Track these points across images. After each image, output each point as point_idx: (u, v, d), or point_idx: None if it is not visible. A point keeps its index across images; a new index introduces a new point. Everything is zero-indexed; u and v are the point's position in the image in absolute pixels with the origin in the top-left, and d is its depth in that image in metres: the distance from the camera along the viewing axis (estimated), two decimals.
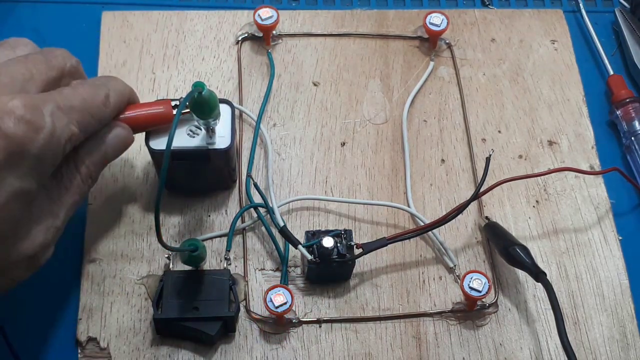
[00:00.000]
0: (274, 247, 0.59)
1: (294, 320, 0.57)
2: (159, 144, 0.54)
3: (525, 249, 0.57)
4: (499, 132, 0.66)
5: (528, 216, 0.63)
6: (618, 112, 0.68)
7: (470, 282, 0.56)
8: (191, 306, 0.54)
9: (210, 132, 0.54)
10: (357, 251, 0.56)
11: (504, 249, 0.58)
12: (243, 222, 0.60)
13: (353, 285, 0.59)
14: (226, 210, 0.61)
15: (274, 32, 0.69)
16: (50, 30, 0.69)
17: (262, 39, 0.69)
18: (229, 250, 0.58)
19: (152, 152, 0.55)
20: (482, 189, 0.58)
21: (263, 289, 0.58)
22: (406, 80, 0.68)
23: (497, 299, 0.59)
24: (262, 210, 0.59)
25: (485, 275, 0.56)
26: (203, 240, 0.58)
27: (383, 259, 0.60)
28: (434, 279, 0.60)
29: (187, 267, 0.56)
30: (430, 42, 0.70)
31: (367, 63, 0.69)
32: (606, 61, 0.71)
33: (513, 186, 0.63)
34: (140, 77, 0.66)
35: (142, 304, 0.57)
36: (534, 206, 0.63)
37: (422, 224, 0.61)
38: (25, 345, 0.55)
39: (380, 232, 0.61)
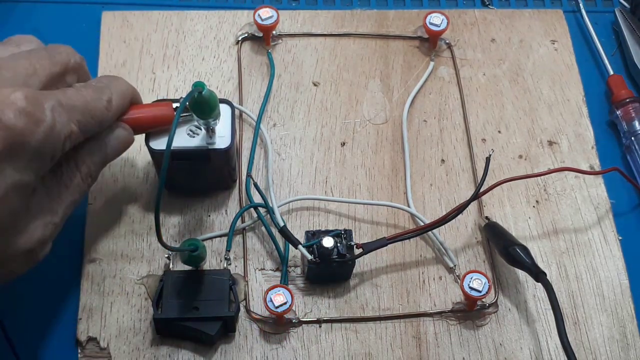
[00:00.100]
0: (274, 247, 0.59)
1: (294, 320, 0.57)
2: (159, 144, 0.54)
3: (525, 249, 0.57)
4: (499, 132, 0.66)
5: (528, 216, 0.63)
6: (618, 112, 0.68)
7: (470, 282, 0.56)
8: (191, 306, 0.54)
9: (210, 132, 0.54)
10: (357, 251, 0.56)
11: (504, 249, 0.58)
12: (243, 222, 0.60)
13: (353, 285, 0.59)
14: (226, 210, 0.61)
15: (274, 32, 0.69)
16: (50, 30, 0.69)
17: (262, 39, 0.69)
18: (229, 250, 0.58)
19: (152, 152, 0.55)
20: (482, 189, 0.58)
21: (263, 289, 0.58)
22: (406, 80, 0.68)
23: (497, 299, 0.59)
24: (262, 210, 0.59)
25: (485, 275, 0.56)
26: (203, 240, 0.58)
27: (383, 259, 0.60)
28: (434, 279, 0.60)
29: (187, 267, 0.56)
30: (430, 42, 0.70)
31: (367, 63, 0.69)
32: (606, 61, 0.71)
33: (513, 186, 0.63)
34: (140, 77, 0.66)
35: (142, 304, 0.57)
36: (534, 206, 0.63)
37: (422, 224, 0.61)
38: (25, 345, 0.55)
39: (380, 232, 0.61)
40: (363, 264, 0.59)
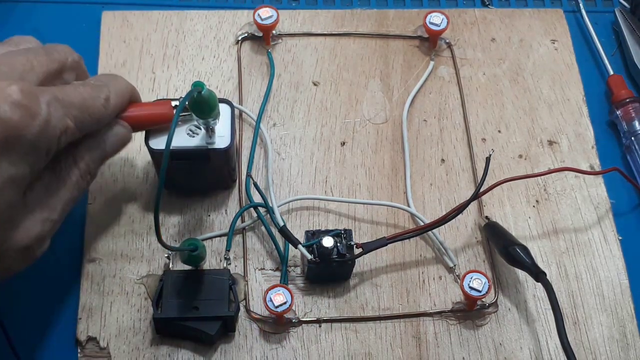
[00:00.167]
0: (273, 246, 0.59)
1: (293, 320, 0.57)
2: (159, 143, 0.54)
3: (525, 249, 0.57)
4: (499, 131, 0.66)
5: (528, 216, 0.63)
6: (618, 112, 0.68)
7: (470, 281, 0.56)
8: (191, 306, 0.54)
9: (210, 131, 0.54)
10: (357, 251, 0.56)
11: (503, 248, 0.58)
12: (243, 221, 0.60)
13: (353, 285, 0.59)
14: (226, 210, 0.61)
15: (273, 31, 0.69)
16: (50, 30, 0.69)
17: (262, 38, 0.69)
18: (228, 250, 0.58)
19: (152, 151, 0.55)
20: (482, 189, 0.58)
21: (263, 288, 0.58)
22: (406, 79, 0.68)
23: (497, 299, 0.59)
24: (262, 209, 0.59)
25: (485, 275, 0.56)
26: (203, 240, 0.58)
27: (383, 259, 0.60)
28: (433, 278, 0.60)
29: (187, 267, 0.56)
30: (430, 42, 0.70)
31: (367, 63, 0.69)
32: (606, 61, 0.71)
33: (513, 186, 0.63)
34: (140, 77, 0.66)
35: (141, 304, 0.57)
36: (533, 206, 0.63)
37: (422, 223, 0.61)
38: (25, 345, 0.55)
39: (380, 232, 0.61)
40: (363, 263, 0.59)
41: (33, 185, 0.46)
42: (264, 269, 0.59)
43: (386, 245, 0.57)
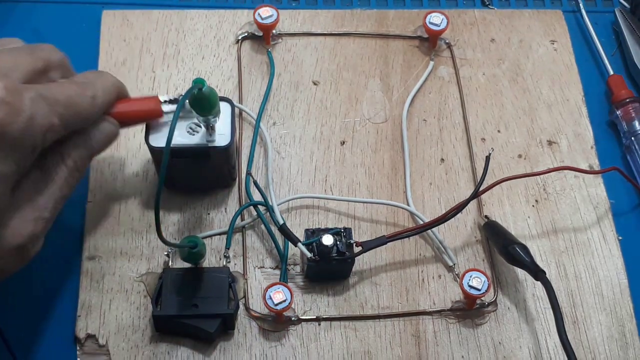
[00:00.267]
0: (273, 245, 0.59)
1: (293, 318, 0.57)
2: (159, 141, 0.54)
3: (524, 248, 0.57)
4: (499, 131, 0.66)
5: (527, 215, 0.63)
6: (618, 112, 0.68)
7: (469, 280, 0.56)
8: (190, 303, 0.54)
9: (210, 129, 0.54)
10: (356, 249, 0.56)
11: (503, 247, 0.58)
12: (243, 220, 0.60)
13: (352, 283, 0.59)
14: (226, 208, 0.61)
15: (274, 31, 0.69)
16: (50, 30, 0.69)
17: (262, 38, 0.69)
18: (228, 248, 0.58)
19: (152, 149, 0.55)
20: (481, 188, 0.58)
21: (262, 286, 0.58)
22: (406, 79, 0.68)
23: (496, 298, 0.59)
24: (261, 208, 0.59)
25: (485, 274, 0.56)
26: (203, 237, 0.58)
27: (382, 258, 0.60)
28: (433, 277, 0.60)
29: (187, 265, 0.56)
30: (430, 42, 0.70)
31: (367, 62, 0.69)
32: (606, 61, 0.71)
33: (512, 185, 0.64)
34: (140, 76, 0.66)
35: (141, 301, 0.57)
36: (533, 205, 0.63)
37: (422, 222, 0.61)
38: (24, 342, 0.55)
39: (379, 231, 0.61)
40: (362, 262, 0.59)
41: (21, 184, 0.46)
42: (263, 267, 0.59)
43: (386, 243, 0.57)
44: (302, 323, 0.57)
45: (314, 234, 0.56)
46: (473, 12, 0.73)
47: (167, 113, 0.54)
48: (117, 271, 0.58)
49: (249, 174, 0.61)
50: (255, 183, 0.60)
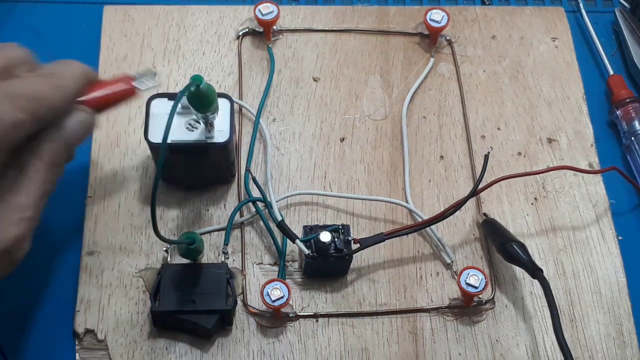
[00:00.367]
0: (271, 241, 0.59)
1: (290, 315, 0.57)
2: (158, 137, 0.54)
3: (522, 246, 0.57)
4: (499, 129, 0.66)
5: (526, 213, 0.63)
6: (618, 112, 0.68)
7: (467, 278, 0.56)
8: (188, 299, 0.55)
9: (209, 126, 0.54)
10: (354, 246, 0.56)
11: (501, 245, 0.58)
12: (241, 216, 0.60)
13: (350, 280, 0.59)
14: (225, 204, 0.61)
15: (274, 27, 0.69)
16: (50, 30, 0.69)
17: (263, 34, 0.69)
18: (227, 244, 0.59)
19: (151, 145, 0.55)
20: (480, 186, 0.58)
21: (260, 283, 0.58)
22: (406, 76, 0.68)
23: (494, 296, 0.59)
24: (260, 204, 0.60)
25: (483, 272, 0.56)
26: (201, 234, 0.58)
27: (380, 255, 0.60)
28: (431, 274, 0.60)
29: (185, 261, 0.56)
30: (430, 39, 0.70)
31: (368, 59, 0.69)
32: (606, 61, 0.71)
33: (511, 183, 0.64)
34: None
35: (139, 297, 0.57)
36: (532, 203, 0.63)
37: (420, 219, 0.61)
38: (22, 337, 0.56)
39: (378, 228, 0.61)
40: (360, 259, 0.60)
41: None
42: (261, 263, 0.59)
43: (384, 241, 0.57)
44: (300, 319, 0.57)
45: (312, 231, 0.56)
46: (474, 9, 0.73)
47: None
48: (116, 266, 0.58)
49: (248, 170, 0.61)
50: (254, 180, 0.60)
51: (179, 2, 0.71)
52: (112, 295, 0.57)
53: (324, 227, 0.56)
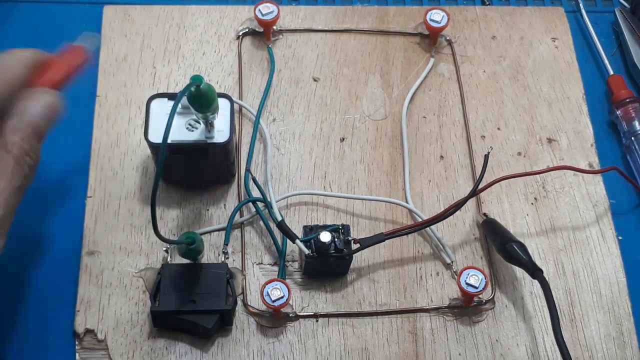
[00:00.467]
0: (271, 241, 0.59)
1: (290, 315, 0.57)
2: (158, 137, 0.54)
3: (522, 246, 0.57)
4: (499, 129, 0.66)
5: (526, 213, 0.63)
6: (618, 112, 0.68)
7: (467, 278, 0.56)
8: (188, 299, 0.55)
9: (209, 126, 0.54)
10: (354, 246, 0.56)
11: (501, 245, 0.58)
12: (241, 216, 0.60)
13: (350, 280, 0.59)
14: (225, 204, 0.61)
15: (274, 27, 0.69)
16: (50, 30, 0.69)
17: (263, 34, 0.69)
18: (226, 244, 0.59)
19: (151, 145, 0.55)
20: (480, 186, 0.58)
21: (260, 283, 0.58)
22: (406, 76, 0.68)
23: (494, 296, 0.59)
24: (260, 204, 0.60)
25: (483, 272, 0.56)
26: (201, 234, 0.58)
27: (380, 255, 0.60)
28: (431, 274, 0.60)
29: (185, 261, 0.56)
30: (430, 39, 0.70)
31: (368, 59, 0.69)
32: (606, 61, 0.71)
33: (511, 183, 0.64)
34: (141, 71, 0.66)
35: (139, 297, 0.57)
36: (532, 203, 0.63)
37: (420, 220, 0.61)
38: (22, 337, 0.56)
39: (378, 228, 0.61)
40: (360, 259, 0.60)
41: None
42: (261, 263, 0.59)
43: (384, 241, 0.57)
44: (300, 319, 0.57)
45: (312, 231, 0.56)
46: (474, 9, 0.73)
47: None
48: (116, 266, 0.58)
49: (248, 170, 0.61)
50: (254, 179, 0.60)
51: (179, 2, 0.71)
52: (112, 295, 0.57)
53: (324, 227, 0.56)
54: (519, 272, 0.60)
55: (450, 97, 0.68)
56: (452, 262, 0.60)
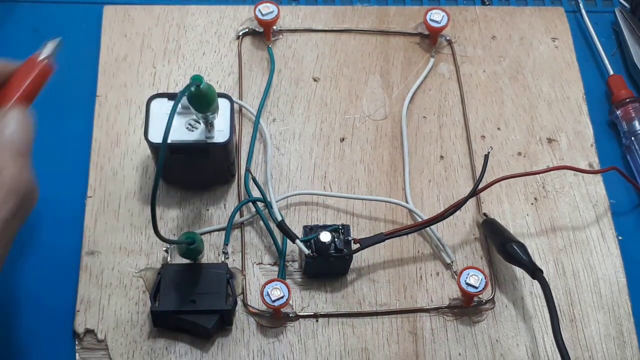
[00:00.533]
0: (271, 241, 0.59)
1: (290, 315, 0.57)
2: (158, 137, 0.54)
3: (522, 246, 0.57)
4: (498, 129, 0.66)
5: (526, 213, 0.63)
6: (618, 112, 0.68)
7: (467, 278, 0.56)
8: (188, 299, 0.55)
9: (209, 126, 0.54)
10: (354, 246, 0.56)
11: (501, 245, 0.58)
12: (241, 216, 0.60)
13: (350, 280, 0.59)
14: (225, 204, 0.61)
15: (274, 27, 0.69)
16: (50, 29, 0.69)
17: (263, 34, 0.69)
18: (226, 244, 0.59)
19: (151, 145, 0.55)
20: (480, 186, 0.58)
21: (260, 282, 0.58)
22: (406, 76, 0.68)
23: (493, 296, 0.59)
24: (260, 204, 0.60)
25: (483, 272, 0.56)
26: (201, 234, 0.58)
27: (380, 255, 0.60)
28: (431, 274, 0.60)
29: (185, 261, 0.56)
30: (430, 39, 0.70)
31: (368, 59, 0.69)
32: (606, 61, 0.71)
33: (511, 183, 0.64)
34: (141, 71, 0.66)
35: (139, 297, 0.57)
36: (532, 203, 0.63)
37: (420, 220, 0.61)
38: (23, 337, 0.56)
39: (378, 228, 0.61)
40: (360, 259, 0.60)
41: None
42: (261, 263, 0.59)
43: (384, 241, 0.57)
44: (300, 319, 0.57)
45: (312, 231, 0.56)
46: (474, 9, 0.73)
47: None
48: (116, 266, 0.58)
49: (248, 170, 0.61)
50: (254, 179, 0.60)
51: (179, 2, 0.71)
52: (112, 295, 0.57)
53: (324, 227, 0.56)
54: (519, 272, 0.60)
55: (450, 97, 0.68)
56: (452, 262, 0.60)
